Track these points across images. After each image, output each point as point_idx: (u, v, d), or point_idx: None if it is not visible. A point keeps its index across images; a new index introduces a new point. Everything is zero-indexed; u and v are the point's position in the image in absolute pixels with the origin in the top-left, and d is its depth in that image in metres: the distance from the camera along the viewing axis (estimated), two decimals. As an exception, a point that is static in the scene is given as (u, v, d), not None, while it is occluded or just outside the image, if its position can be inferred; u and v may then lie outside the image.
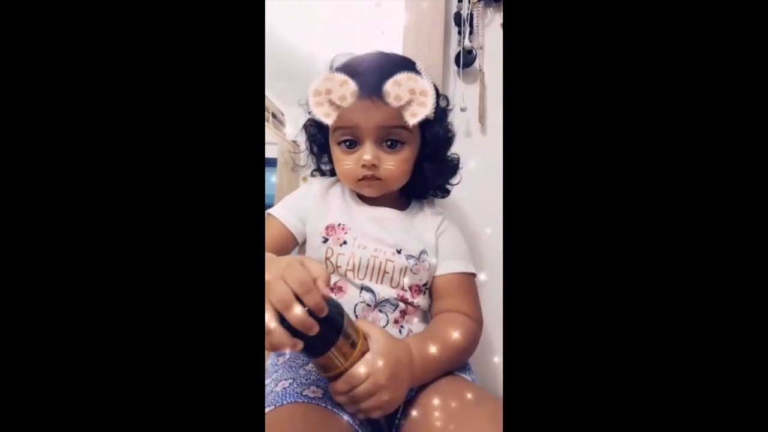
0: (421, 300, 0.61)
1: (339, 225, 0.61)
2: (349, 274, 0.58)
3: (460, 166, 0.68)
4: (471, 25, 0.82)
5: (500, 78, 0.83)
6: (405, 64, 0.59)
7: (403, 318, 0.59)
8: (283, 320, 0.40)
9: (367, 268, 0.58)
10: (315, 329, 0.40)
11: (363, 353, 0.47)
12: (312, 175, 0.71)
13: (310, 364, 0.56)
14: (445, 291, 0.62)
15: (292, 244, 0.63)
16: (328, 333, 0.43)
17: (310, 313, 0.40)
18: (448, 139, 0.65)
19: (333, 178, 0.68)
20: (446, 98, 0.67)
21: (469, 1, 0.82)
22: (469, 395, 0.52)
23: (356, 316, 0.57)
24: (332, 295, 0.45)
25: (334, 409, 0.49)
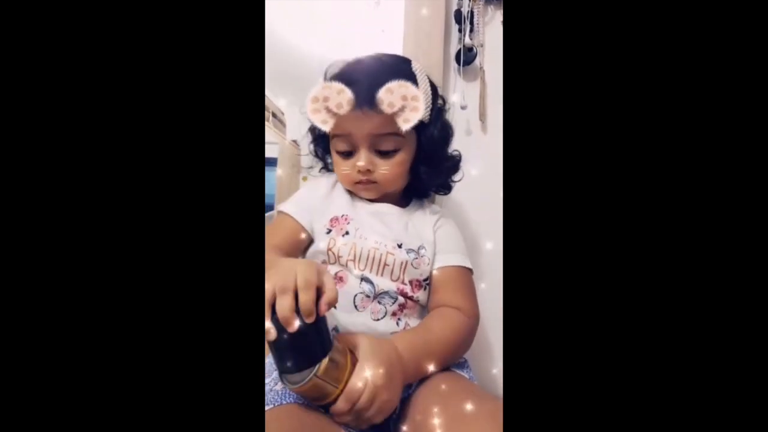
0: (420, 295, 0.61)
1: (342, 216, 0.62)
2: (350, 264, 0.59)
3: (461, 163, 0.68)
4: (471, 23, 0.82)
5: (501, 76, 0.83)
6: (400, 67, 0.61)
7: (402, 311, 0.60)
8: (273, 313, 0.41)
9: (368, 259, 0.59)
10: (294, 326, 0.41)
11: (353, 368, 0.47)
12: (320, 172, 0.72)
13: None
14: (439, 284, 0.62)
15: (307, 240, 0.63)
16: (312, 347, 0.43)
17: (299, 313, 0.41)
18: (444, 138, 0.65)
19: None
20: (443, 98, 0.68)
21: None
22: (465, 393, 0.51)
23: (355, 306, 0.58)
24: (329, 321, 0.46)
25: None
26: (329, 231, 0.61)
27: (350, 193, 0.66)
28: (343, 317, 0.57)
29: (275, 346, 0.43)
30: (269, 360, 0.62)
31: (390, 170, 0.60)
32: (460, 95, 0.83)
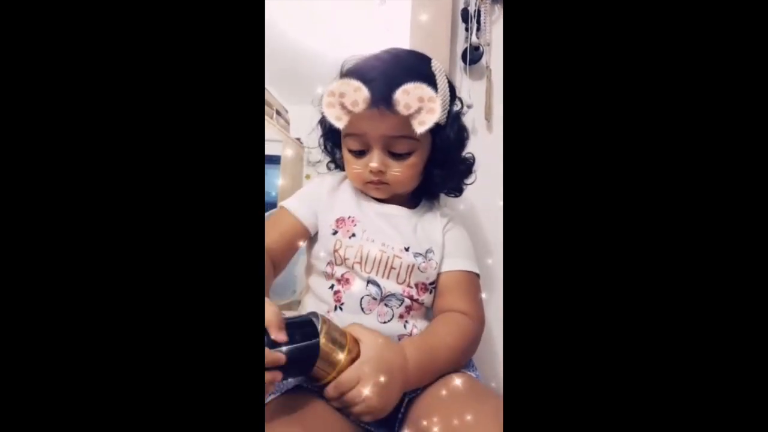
0: (426, 298, 0.61)
1: (349, 217, 0.61)
2: (357, 267, 0.58)
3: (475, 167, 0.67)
4: (478, 22, 0.82)
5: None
6: (418, 66, 0.59)
7: (409, 313, 0.59)
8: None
9: (374, 261, 0.58)
10: (282, 360, 0.43)
11: (353, 359, 0.48)
12: (327, 167, 0.71)
13: None
14: (446, 288, 0.62)
15: (304, 237, 0.63)
16: (300, 357, 0.45)
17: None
18: (460, 141, 0.64)
19: (344, 173, 0.67)
20: (461, 101, 0.67)
21: (477, -2, 0.82)
22: (470, 392, 0.52)
23: (362, 309, 0.57)
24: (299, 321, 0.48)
25: None
26: (335, 232, 0.60)
27: (357, 192, 0.65)
28: (350, 320, 0.57)
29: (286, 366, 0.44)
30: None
31: (402, 172, 0.59)
32: (466, 94, 0.83)
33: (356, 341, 0.49)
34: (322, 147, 0.69)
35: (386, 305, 0.58)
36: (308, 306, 0.62)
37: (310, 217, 0.62)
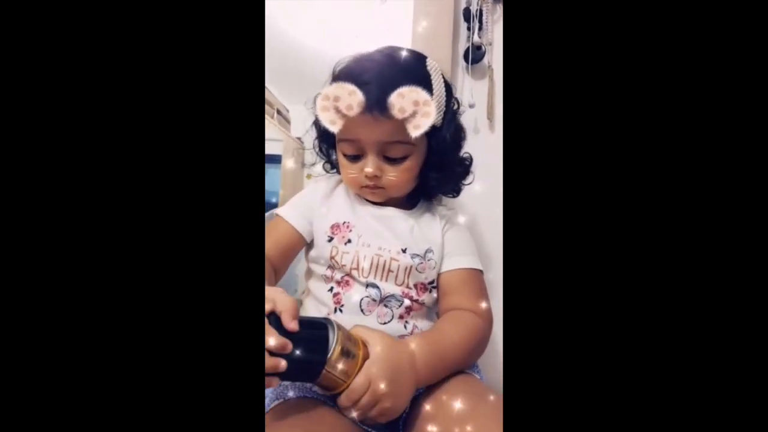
0: (426, 297, 0.60)
1: (344, 223, 0.60)
2: (354, 273, 0.58)
3: (472, 167, 0.66)
4: (480, 21, 0.81)
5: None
6: (413, 66, 0.58)
7: (409, 314, 0.59)
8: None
9: (371, 266, 0.58)
10: (281, 367, 0.42)
11: (363, 362, 0.47)
12: (323, 167, 0.71)
13: None
14: (451, 287, 0.61)
15: (301, 244, 0.63)
16: (311, 359, 0.44)
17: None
18: (456, 143, 0.63)
19: (338, 177, 0.67)
20: (458, 100, 0.66)
21: (479, -3, 0.82)
22: (473, 392, 0.51)
23: (362, 310, 0.57)
24: (310, 322, 0.47)
25: None
26: (331, 239, 0.59)
27: (352, 196, 0.64)
28: (350, 321, 0.56)
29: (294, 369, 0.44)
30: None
31: (398, 176, 0.58)
32: (468, 94, 0.82)
33: (365, 344, 0.48)
34: (317, 149, 0.68)
35: (386, 306, 0.58)
36: (308, 308, 0.62)
37: (305, 225, 0.62)
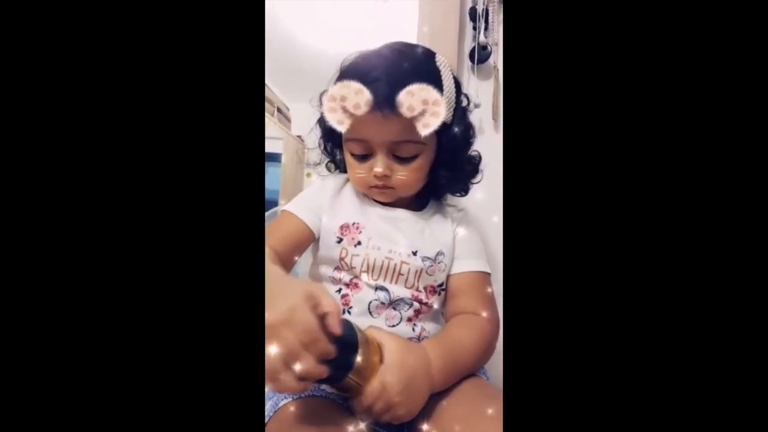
0: (435, 300, 0.60)
1: (353, 224, 0.59)
2: (364, 276, 0.57)
3: (481, 166, 0.66)
4: (486, 21, 0.81)
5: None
6: (422, 63, 0.57)
7: (417, 317, 0.59)
8: None
9: (381, 269, 0.57)
10: (325, 374, 0.40)
11: (379, 366, 0.46)
12: (327, 167, 0.69)
13: None
14: (458, 290, 0.61)
15: (310, 240, 0.61)
16: (340, 364, 0.42)
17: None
18: (466, 140, 0.62)
19: (345, 176, 0.66)
20: (467, 97, 0.65)
21: (485, -3, 0.81)
22: (483, 394, 0.51)
23: (370, 313, 0.57)
24: (343, 324, 0.43)
25: None
26: (340, 240, 0.58)
27: (360, 196, 0.63)
28: (358, 323, 0.56)
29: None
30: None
31: (408, 176, 0.57)
32: (474, 93, 0.82)
33: (380, 347, 0.47)
34: (322, 147, 0.67)
35: (394, 309, 0.57)
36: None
37: (315, 220, 0.60)
